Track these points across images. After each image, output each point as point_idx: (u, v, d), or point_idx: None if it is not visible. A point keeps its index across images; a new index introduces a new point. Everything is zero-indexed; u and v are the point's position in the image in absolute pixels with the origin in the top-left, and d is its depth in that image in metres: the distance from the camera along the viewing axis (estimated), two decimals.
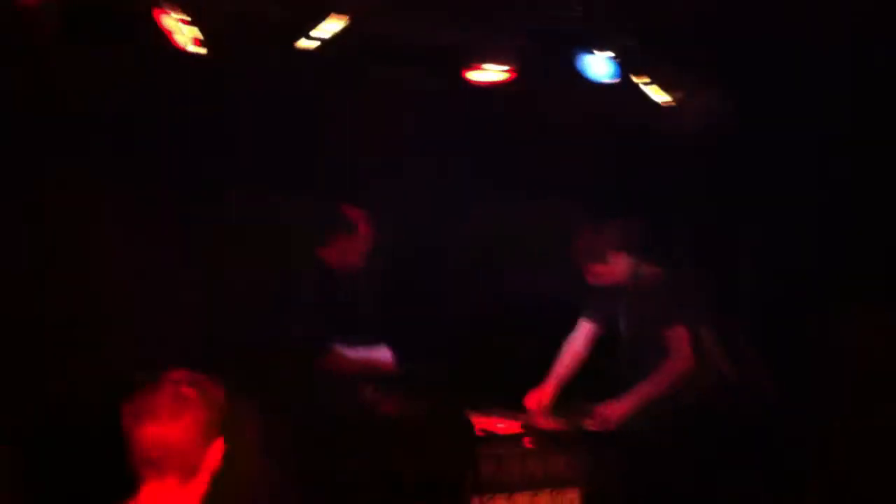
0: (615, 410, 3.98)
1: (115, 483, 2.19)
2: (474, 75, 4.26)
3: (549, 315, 4.61)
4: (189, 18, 3.76)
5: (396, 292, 4.69)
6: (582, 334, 4.35)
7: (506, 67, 4.17)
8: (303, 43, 4.04)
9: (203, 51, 3.84)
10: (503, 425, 3.83)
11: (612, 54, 4.21)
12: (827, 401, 4.61)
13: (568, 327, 4.38)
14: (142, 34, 3.86)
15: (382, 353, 4.06)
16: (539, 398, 4.18)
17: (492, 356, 4.86)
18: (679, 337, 4.03)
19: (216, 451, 2.21)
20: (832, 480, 4.39)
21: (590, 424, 3.97)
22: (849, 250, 4.78)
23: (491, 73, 4.21)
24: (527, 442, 3.74)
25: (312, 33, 3.97)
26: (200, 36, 3.80)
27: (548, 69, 4.38)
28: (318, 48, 4.03)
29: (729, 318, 4.57)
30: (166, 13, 3.77)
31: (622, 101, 4.57)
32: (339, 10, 3.86)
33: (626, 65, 4.25)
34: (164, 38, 3.83)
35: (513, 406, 4.15)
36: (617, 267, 4.18)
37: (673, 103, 4.43)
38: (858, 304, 4.62)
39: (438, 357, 4.60)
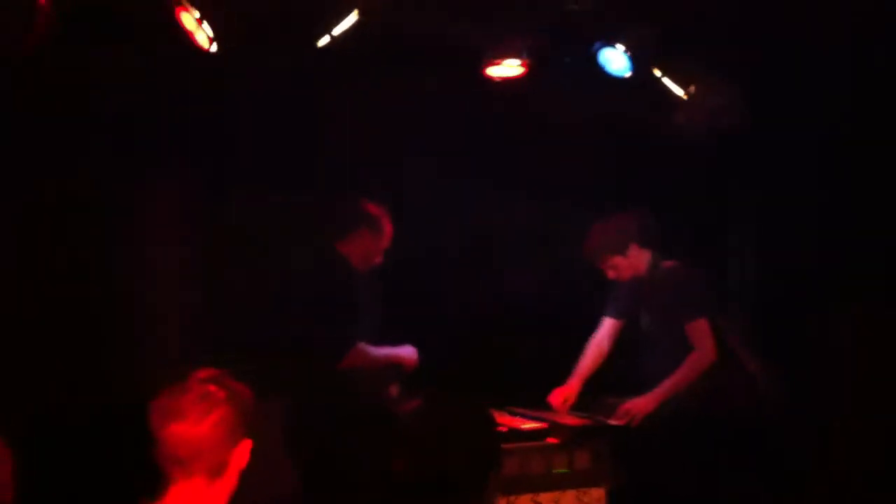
0: (640, 405, 3.97)
1: (144, 482, 2.15)
2: (493, 70, 4.23)
3: (568, 315, 4.61)
4: (207, 17, 3.74)
5: (410, 294, 4.68)
6: (604, 330, 4.34)
7: (520, 62, 4.13)
8: (319, 40, 4.01)
9: (218, 48, 3.79)
10: (528, 424, 3.82)
11: (626, 48, 4.17)
12: (827, 400, 4.60)
13: (587, 326, 4.36)
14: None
15: (406, 350, 4.03)
16: (564, 395, 4.16)
17: (515, 355, 4.85)
18: (701, 330, 4.03)
19: (243, 451, 2.18)
20: (832, 480, 4.38)
21: (614, 420, 3.95)
22: (849, 250, 4.76)
23: (508, 68, 4.16)
24: (551, 440, 3.72)
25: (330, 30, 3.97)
26: (213, 34, 3.76)
27: (563, 64, 4.35)
28: (332, 44, 3.98)
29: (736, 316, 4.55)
30: (186, 10, 3.71)
31: (632, 96, 4.55)
32: (355, 5, 3.82)
33: (642, 58, 4.21)
34: (183, 36, 3.79)
35: (537, 404, 4.13)
36: (636, 260, 4.17)
37: (687, 96, 4.38)
38: (857, 303, 4.62)
39: (462, 357, 4.59)
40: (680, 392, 3.98)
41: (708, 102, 4.39)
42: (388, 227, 4.03)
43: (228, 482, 2.17)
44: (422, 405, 2.45)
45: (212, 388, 2.14)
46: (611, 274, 4.20)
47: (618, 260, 4.15)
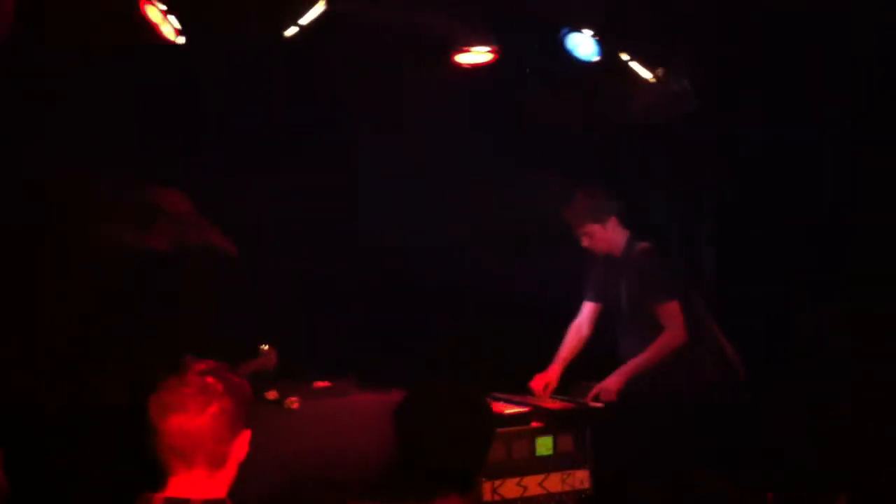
0: (608, 385, 4.16)
1: (145, 475, 2.26)
2: (461, 58, 4.37)
3: (553, 299, 4.73)
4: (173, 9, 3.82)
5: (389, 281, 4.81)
6: (584, 315, 4.52)
7: (489, 49, 4.28)
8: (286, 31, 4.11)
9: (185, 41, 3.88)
10: (511, 409, 3.92)
11: (593, 32, 4.34)
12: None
13: (571, 310, 4.52)
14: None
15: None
16: (545, 381, 4.31)
17: (498, 341, 4.94)
18: (672, 312, 4.23)
19: (243, 441, 2.28)
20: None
21: (594, 402, 4.11)
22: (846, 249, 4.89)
23: (477, 55, 4.32)
24: (535, 424, 3.82)
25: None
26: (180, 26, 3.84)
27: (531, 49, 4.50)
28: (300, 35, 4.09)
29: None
30: (152, 3, 3.80)
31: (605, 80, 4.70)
32: None
33: (609, 43, 4.39)
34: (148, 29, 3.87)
35: (519, 389, 4.26)
36: (613, 234, 4.34)
37: (655, 80, 4.57)
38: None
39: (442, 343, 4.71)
40: (659, 372, 4.17)
41: (671, 86, 4.58)
42: (182, 209, 4.03)
43: (228, 473, 2.26)
44: (413, 395, 2.54)
45: (210, 380, 2.24)
46: (585, 241, 4.37)
47: (595, 228, 4.33)
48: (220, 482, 2.25)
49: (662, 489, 3.92)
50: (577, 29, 4.39)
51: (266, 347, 3.94)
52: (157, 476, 2.23)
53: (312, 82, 4.68)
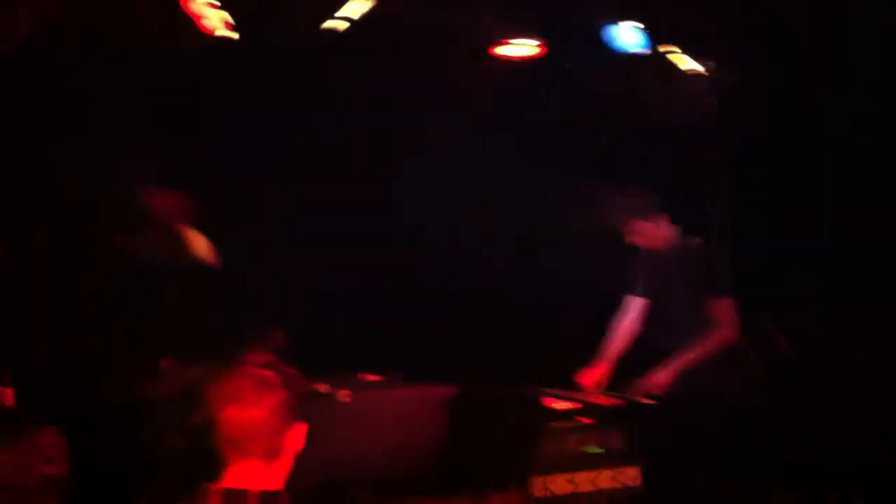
0: (659, 379, 4.14)
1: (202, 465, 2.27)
2: (504, 50, 4.35)
3: (596, 294, 4.76)
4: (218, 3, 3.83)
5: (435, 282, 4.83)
6: (632, 310, 4.48)
7: (535, 42, 4.26)
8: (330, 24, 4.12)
9: (232, 34, 3.90)
10: (561, 404, 3.91)
11: (640, 24, 4.33)
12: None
13: (612, 306, 4.50)
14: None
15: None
16: (595, 376, 4.31)
17: (543, 335, 4.98)
18: (725, 307, 4.20)
19: (299, 433, 2.31)
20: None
21: (644, 398, 4.09)
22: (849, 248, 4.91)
23: (520, 48, 4.29)
24: (584, 419, 3.82)
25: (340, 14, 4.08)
26: (229, 19, 3.86)
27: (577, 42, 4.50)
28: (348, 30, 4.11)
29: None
30: None
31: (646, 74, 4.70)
32: None
33: (655, 34, 4.38)
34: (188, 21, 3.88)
35: (567, 385, 4.26)
36: (659, 228, 4.32)
37: (698, 73, 4.55)
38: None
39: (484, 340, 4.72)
40: (707, 368, 4.15)
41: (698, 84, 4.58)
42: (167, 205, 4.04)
43: (284, 464, 2.29)
44: (466, 391, 2.56)
45: (267, 372, 2.28)
46: (636, 239, 4.35)
47: (642, 224, 4.31)
48: (276, 474, 2.27)
49: (712, 488, 3.90)
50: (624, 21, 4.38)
51: (273, 330, 3.98)
52: (159, 472, 2.27)
53: (321, 81, 4.72)
